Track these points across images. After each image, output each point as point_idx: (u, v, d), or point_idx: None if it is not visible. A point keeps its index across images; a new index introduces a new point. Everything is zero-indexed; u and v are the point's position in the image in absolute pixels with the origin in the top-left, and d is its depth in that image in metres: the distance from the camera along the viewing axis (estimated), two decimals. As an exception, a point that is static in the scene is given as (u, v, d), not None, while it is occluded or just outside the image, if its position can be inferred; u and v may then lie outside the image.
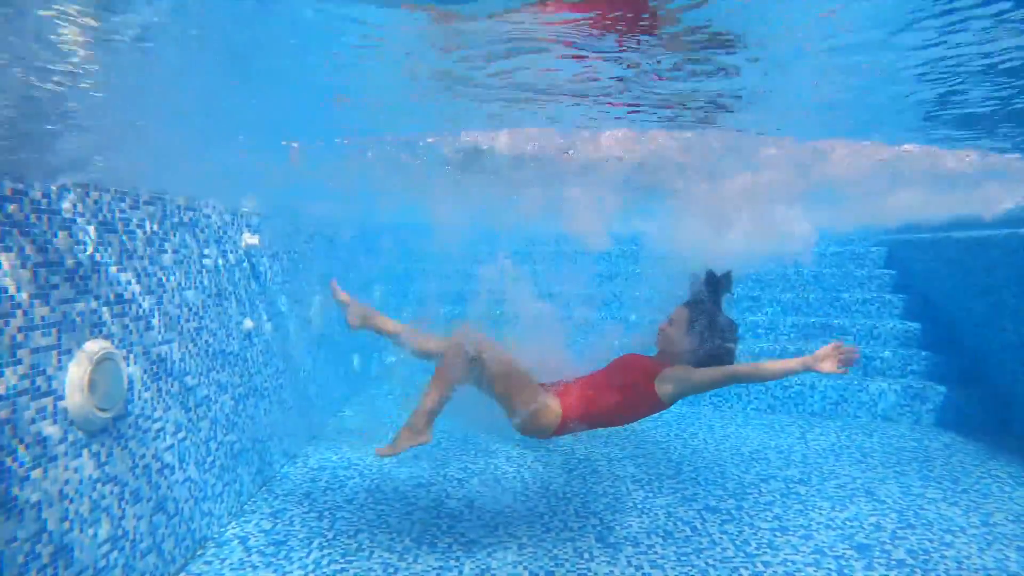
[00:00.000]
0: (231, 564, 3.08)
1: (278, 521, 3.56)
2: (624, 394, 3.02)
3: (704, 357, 2.98)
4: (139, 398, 2.74)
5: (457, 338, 2.93)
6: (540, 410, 2.94)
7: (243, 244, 3.94)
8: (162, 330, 2.96)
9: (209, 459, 3.33)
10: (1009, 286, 5.33)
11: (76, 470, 2.30)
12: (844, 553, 3.26)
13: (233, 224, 3.83)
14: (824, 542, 3.38)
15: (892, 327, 6.39)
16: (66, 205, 2.35)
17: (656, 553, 3.25)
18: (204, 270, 3.42)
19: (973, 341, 5.88)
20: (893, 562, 3.17)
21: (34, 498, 2.10)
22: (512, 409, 2.97)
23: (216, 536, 3.35)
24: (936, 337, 6.24)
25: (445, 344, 3.02)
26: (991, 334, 5.58)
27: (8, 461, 2.00)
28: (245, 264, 3.99)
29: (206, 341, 3.39)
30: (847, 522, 3.61)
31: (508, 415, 3.01)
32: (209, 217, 3.52)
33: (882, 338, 6.38)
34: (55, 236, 2.28)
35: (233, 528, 3.46)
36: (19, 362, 2.07)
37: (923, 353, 5.99)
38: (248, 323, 3.93)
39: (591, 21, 1.86)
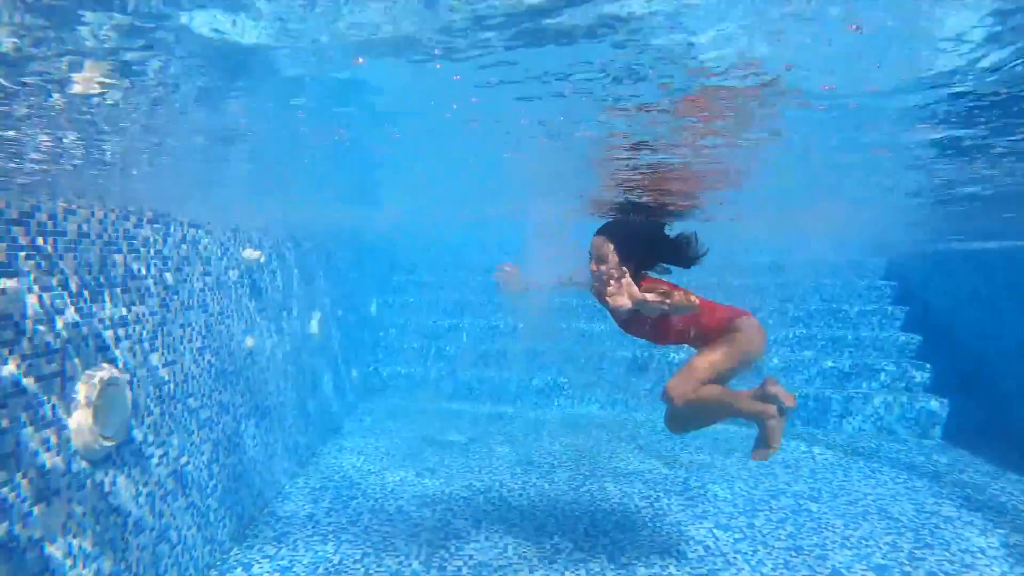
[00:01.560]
0: (236, 593, 2.99)
1: (282, 546, 3.45)
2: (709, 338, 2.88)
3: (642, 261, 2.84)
4: (143, 423, 2.64)
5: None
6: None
7: (245, 260, 3.85)
8: (166, 352, 2.86)
9: (212, 483, 3.23)
10: (1008, 297, 5.33)
11: (80, 502, 2.21)
12: (863, 575, 3.20)
13: (235, 240, 3.75)
14: (841, 563, 3.32)
15: (895, 339, 6.37)
16: (71, 227, 2.27)
17: (671, 575, 3.19)
18: (207, 288, 3.33)
19: (973, 352, 5.87)
20: (912, 584, 3.12)
21: (36, 534, 2.00)
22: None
23: (219, 564, 3.24)
24: (938, 349, 6.22)
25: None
26: (991, 344, 5.58)
27: (10, 496, 1.91)
28: (247, 280, 3.90)
29: (209, 361, 3.30)
30: (862, 541, 3.55)
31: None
32: (211, 234, 3.43)
33: (885, 350, 6.35)
34: (61, 259, 2.19)
35: (236, 554, 3.35)
36: (23, 392, 1.98)
37: (926, 365, 5.97)
38: (250, 341, 3.84)
39: None
